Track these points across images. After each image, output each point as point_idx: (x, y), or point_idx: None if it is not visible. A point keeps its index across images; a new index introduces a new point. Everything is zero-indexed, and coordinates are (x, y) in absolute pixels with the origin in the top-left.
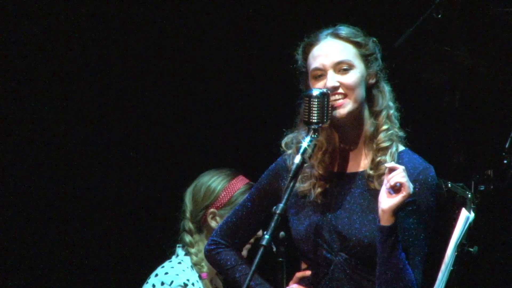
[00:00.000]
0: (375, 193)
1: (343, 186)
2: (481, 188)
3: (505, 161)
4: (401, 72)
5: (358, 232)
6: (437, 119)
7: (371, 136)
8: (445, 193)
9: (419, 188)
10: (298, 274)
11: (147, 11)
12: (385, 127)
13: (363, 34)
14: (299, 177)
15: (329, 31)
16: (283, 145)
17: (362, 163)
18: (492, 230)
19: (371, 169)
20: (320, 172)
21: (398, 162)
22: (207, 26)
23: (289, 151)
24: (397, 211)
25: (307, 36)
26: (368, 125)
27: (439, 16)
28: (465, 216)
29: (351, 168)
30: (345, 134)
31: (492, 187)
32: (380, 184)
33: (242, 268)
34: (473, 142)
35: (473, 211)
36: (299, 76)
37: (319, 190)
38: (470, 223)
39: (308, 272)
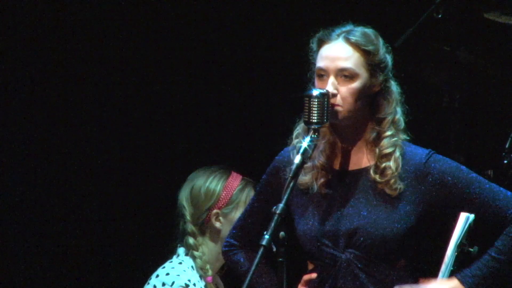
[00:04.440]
0: (382, 192)
1: (347, 182)
2: None
3: (505, 161)
4: (401, 72)
5: (367, 227)
6: (437, 119)
7: (373, 141)
8: None
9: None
10: (305, 277)
11: (144, 9)
12: (388, 133)
13: (376, 41)
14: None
15: (343, 32)
16: (294, 135)
17: (363, 160)
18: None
19: (375, 173)
20: (321, 161)
21: (402, 162)
22: (201, 26)
23: (295, 141)
24: None
25: (322, 30)
26: (369, 130)
27: (439, 16)
28: (465, 216)
29: (352, 166)
30: (343, 136)
31: None
32: (389, 189)
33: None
34: (473, 142)
35: None
36: (310, 64)
37: (322, 180)
38: (470, 223)
39: (315, 275)
